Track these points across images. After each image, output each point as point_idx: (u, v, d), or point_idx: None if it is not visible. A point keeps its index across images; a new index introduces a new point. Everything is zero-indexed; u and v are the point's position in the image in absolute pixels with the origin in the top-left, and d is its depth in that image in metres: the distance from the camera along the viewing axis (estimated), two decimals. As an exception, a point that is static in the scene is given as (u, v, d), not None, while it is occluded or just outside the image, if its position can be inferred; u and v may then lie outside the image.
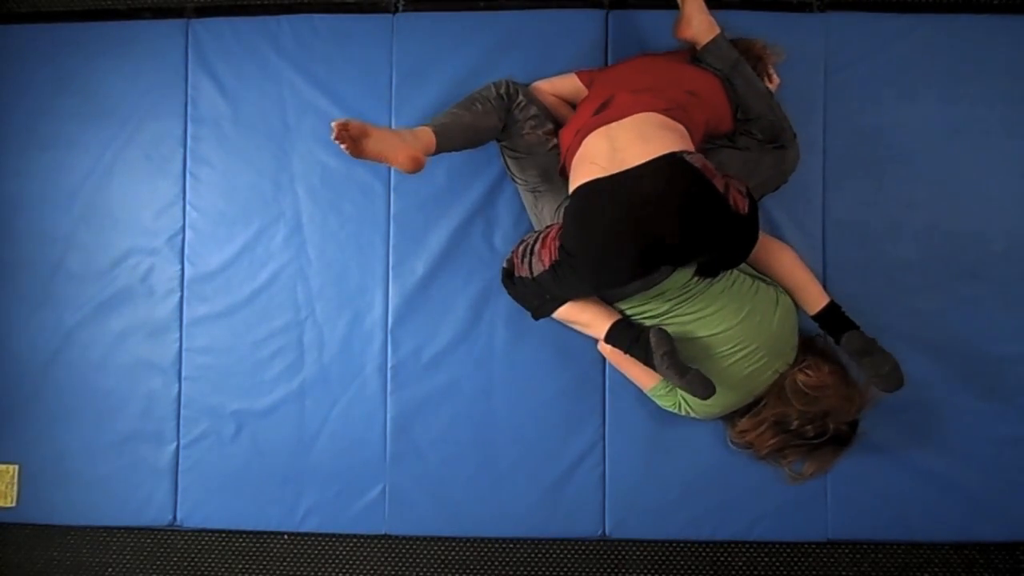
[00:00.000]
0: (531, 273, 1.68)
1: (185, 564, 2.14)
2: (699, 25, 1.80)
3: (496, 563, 2.08)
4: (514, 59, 1.98)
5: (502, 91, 1.78)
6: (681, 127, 1.59)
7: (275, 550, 2.13)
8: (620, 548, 2.07)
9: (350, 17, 2.07)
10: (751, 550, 2.05)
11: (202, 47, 2.09)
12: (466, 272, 2.01)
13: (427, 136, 1.62)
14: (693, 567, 2.06)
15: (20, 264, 2.13)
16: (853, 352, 1.76)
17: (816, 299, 1.81)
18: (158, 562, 2.15)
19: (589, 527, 1.99)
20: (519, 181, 1.86)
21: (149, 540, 2.15)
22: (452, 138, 1.68)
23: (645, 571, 2.06)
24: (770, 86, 1.86)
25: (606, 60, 1.99)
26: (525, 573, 2.08)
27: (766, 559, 2.04)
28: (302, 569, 2.12)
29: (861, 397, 1.79)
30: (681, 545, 2.06)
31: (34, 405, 2.12)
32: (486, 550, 2.09)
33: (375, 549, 2.11)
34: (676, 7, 1.84)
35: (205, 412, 2.07)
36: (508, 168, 1.87)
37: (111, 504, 2.08)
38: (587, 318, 1.78)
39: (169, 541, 2.15)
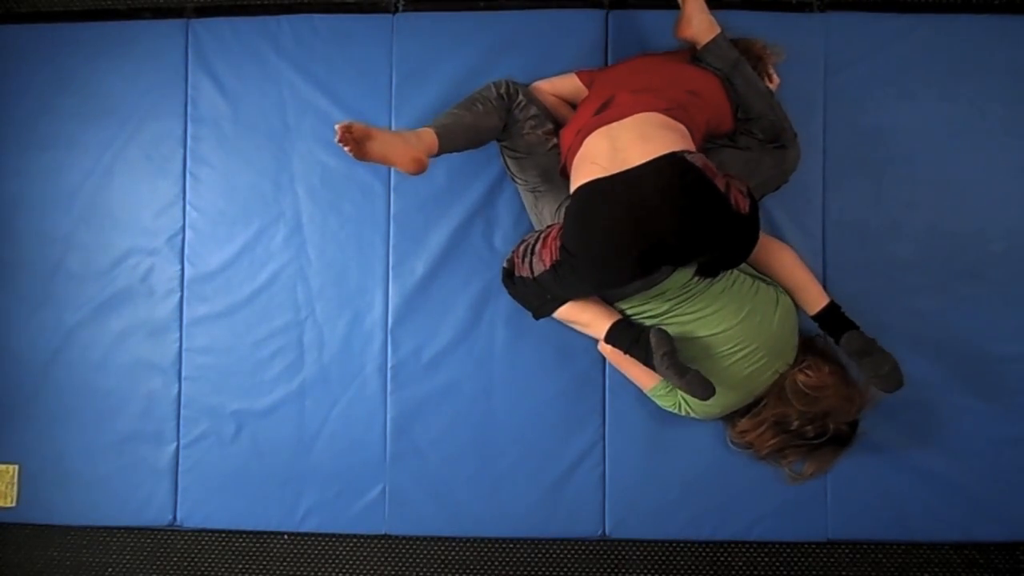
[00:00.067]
0: (532, 273, 1.68)
1: (185, 564, 2.14)
2: (699, 25, 1.80)
3: (496, 563, 2.08)
4: (514, 59, 1.98)
5: (502, 91, 1.78)
6: (682, 127, 1.59)
7: (275, 550, 2.13)
8: (620, 548, 2.07)
9: (350, 17, 2.07)
10: (751, 550, 2.05)
11: (202, 47, 2.09)
12: (466, 272, 2.01)
13: (429, 137, 1.62)
14: (693, 567, 2.06)
15: (20, 264, 2.13)
16: (853, 352, 1.76)
17: (816, 299, 1.81)
18: (158, 562, 2.15)
19: (589, 527, 1.99)
20: (519, 181, 1.86)
21: (149, 540, 2.15)
22: (454, 139, 1.68)
23: (645, 571, 2.07)
24: (770, 86, 1.86)
25: (606, 60, 1.99)
26: (525, 573, 2.08)
27: (766, 559, 2.04)
28: (302, 569, 2.12)
29: (861, 397, 1.79)
30: (681, 545, 2.06)
31: (34, 405, 2.12)
32: (486, 550, 2.09)
33: (375, 549, 2.11)
34: (676, 7, 1.84)
35: (205, 412, 2.07)
36: (508, 168, 1.87)
37: (111, 504, 2.08)
38: (587, 318, 1.78)
39: (169, 541, 2.15)
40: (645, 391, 1.89)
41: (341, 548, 2.11)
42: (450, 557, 2.09)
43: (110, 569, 2.16)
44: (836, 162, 1.98)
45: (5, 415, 2.13)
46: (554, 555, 2.07)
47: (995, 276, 1.96)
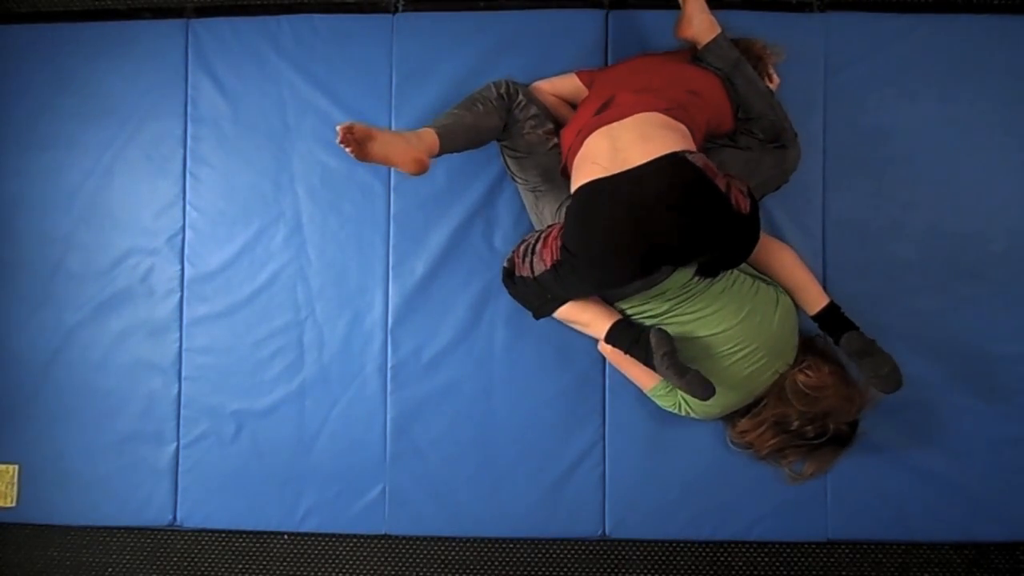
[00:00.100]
0: (532, 273, 1.68)
1: (185, 564, 2.14)
2: (700, 24, 1.80)
3: (496, 563, 2.08)
4: (514, 59, 1.98)
5: (502, 91, 1.78)
6: (683, 127, 1.59)
7: (275, 550, 2.13)
8: (620, 548, 2.07)
9: (350, 17, 2.07)
10: (751, 550, 2.05)
11: (202, 47, 2.09)
12: (466, 272, 2.01)
13: (430, 138, 1.62)
14: (693, 567, 2.06)
15: (20, 264, 2.13)
16: (852, 353, 1.76)
17: (816, 299, 1.81)
18: (158, 562, 2.15)
19: (589, 527, 1.99)
20: (519, 181, 1.86)
21: (149, 540, 2.15)
22: (455, 139, 1.68)
23: (645, 571, 2.07)
24: (770, 86, 1.86)
25: (606, 60, 1.99)
26: (525, 573, 2.08)
27: (766, 559, 2.04)
28: (302, 569, 2.12)
29: (861, 397, 1.79)
30: (681, 545, 2.06)
31: (34, 405, 2.12)
32: (486, 550, 2.09)
33: (375, 549, 2.11)
34: (676, 7, 1.84)
35: (205, 412, 2.07)
36: (508, 168, 1.87)
37: (111, 504, 2.09)
38: (587, 318, 1.78)
39: (169, 541, 2.15)
40: (645, 391, 1.89)
41: (341, 548, 2.11)
42: (450, 557, 2.09)
43: (110, 569, 2.16)
44: (836, 162, 1.98)
45: (5, 415, 2.13)
46: (554, 555, 2.07)
47: (995, 276, 1.96)
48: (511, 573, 2.08)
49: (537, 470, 1.99)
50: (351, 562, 2.11)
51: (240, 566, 2.14)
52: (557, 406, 1.99)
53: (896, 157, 1.98)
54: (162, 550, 2.15)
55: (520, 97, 1.80)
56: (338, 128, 1.46)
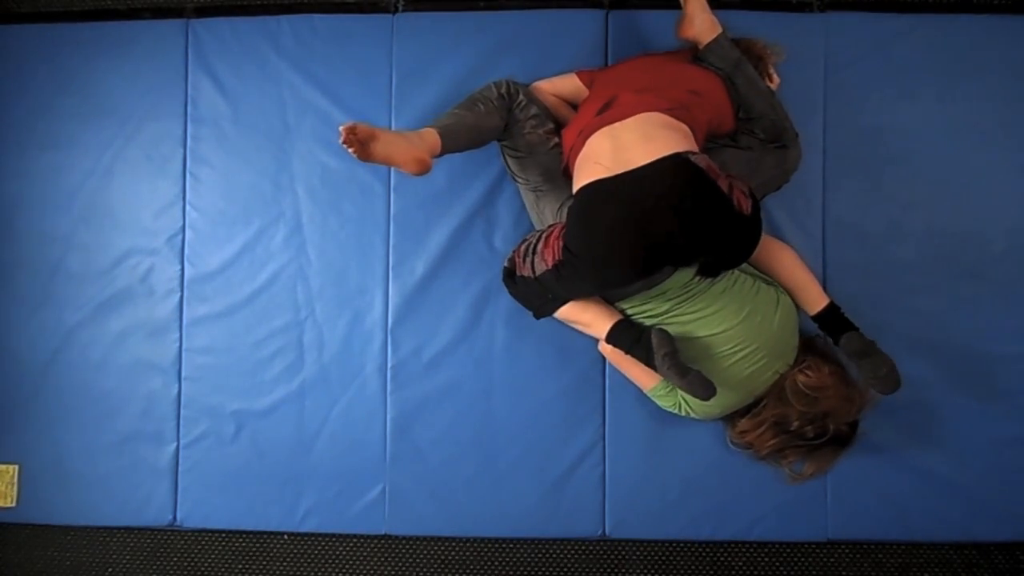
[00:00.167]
0: (533, 273, 1.68)
1: (185, 564, 2.14)
2: (701, 24, 1.80)
3: (496, 563, 2.08)
4: (514, 59, 1.98)
5: (503, 91, 1.78)
6: (684, 127, 1.59)
7: (275, 550, 2.13)
8: (620, 548, 2.07)
9: (350, 17, 2.07)
10: (751, 550, 2.05)
11: (202, 47, 2.09)
12: (466, 272, 2.01)
13: (432, 138, 1.62)
14: (693, 567, 2.06)
15: (20, 264, 2.13)
16: (852, 353, 1.76)
17: (816, 300, 1.81)
18: (158, 562, 2.15)
19: (589, 527, 1.99)
20: (520, 180, 1.86)
21: (149, 540, 2.15)
22: (456, 139, 1.68)
23: (645, 571, 2.07)
24: (770, 86, 1.86)
25: (606, 60, 1.99)
26: (525, 573, 2.08)
27: (766, 559, 2.04)
28: (302, 569, 2.12)
29: (861, 398, 1.79)
30: (681, 545, 2.06)
31: (34, 405, 2.12)
32: (486, 550, 2.09)
33: (375, 549, 2.11)
34: (676, 7, 1.84)
35: (205, 412, 2.07)
36: (509, 168, 1.87)
37: (111, 504, 2.09)
38: (588, 318, 1.78)
39: (169, 541, 2.15)
40: (645, 391, 1.89)
41: (341, 548, 2.11)
42: (450, 557, 2.09)
43: (110, 569, 2.16)
44: (836, 162, 1.98)
45: (5, 415, 2.13)
46: (554, 555, 2.07)
47: (995, 276, 1.96)
48: (511, 573, 2.08)
49: (537, 470, 1.99)
50: (351, 562, 2.11)
51: (240, 566, 2.14)
52: (557, 406, 1.99)
53: (896, 157, 1.98)
54: (162, 550, 2.15)
55: (521, 97, 1.80)
56: (341, 128, 1.46)
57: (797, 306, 1.83)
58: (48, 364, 2.11)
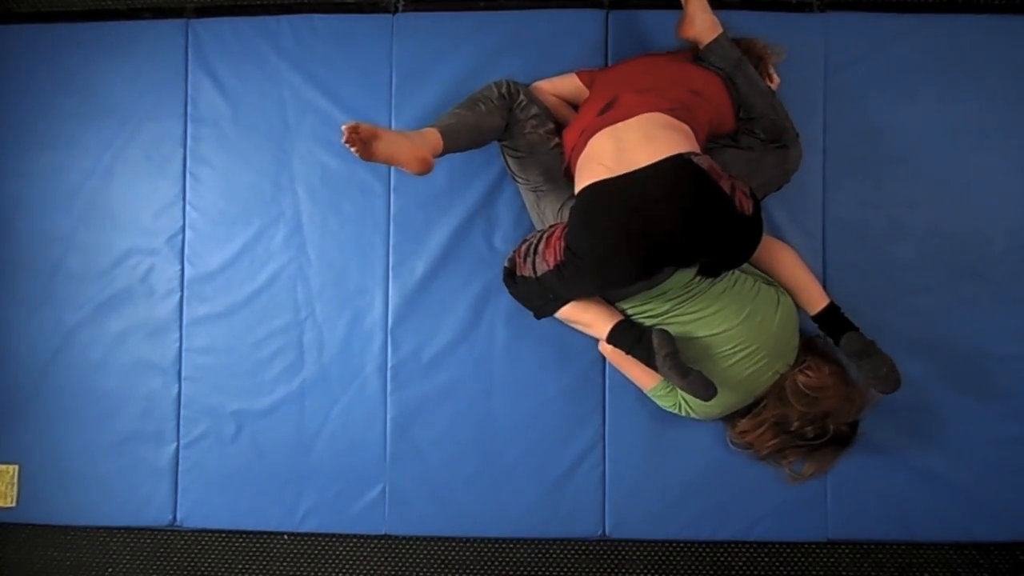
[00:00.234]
0: (534, 273, 1.68)
1: (185, 564, 2.14)
2: (702, 24, 1.80)
3: (496, 563, 2.08)
4: (514, 59, 1.98)
5: (503, 91, 1.78)
6: (686, 127, 1.59)
7: (275, 550, 2.13)
8: (620, 548, 2.07)
9: (350, 17, 2.07)
10: (751, 550, 2.05)
11: (202, 47, 2.09)
12: (466, 272, 2.01)
13: (434, 137, 1.62)
14: (693, 567, 2.06)
15: (20, 264, 2.13)
16: (852, 353, 1.77)
17: (816, 300, 1.81)
18: (158, 562, 2.15)
19: (589, 527, 1.99)
20: (520, 180, 1.86)
21: (149, 540, 2.15)
22: (458, 139, 1.68)
23: (645, 571, 2.06)
24: (771, 86, 1.86)
25: (606, 60, 1.99)
26: (525, 573, 2.08)
27: (766, 559, 2.04)
28: (302, 569, 2.12)
29: (861, 398, 1.79)
30: (681, 545, 2.06)
31: (34, 405, 2.12)
32: (486, 550, 2.09)
33: (375, 549, 2.11)
34: (676, 7, 1.84)
35: (205, 412, 2.07)
36: (509, 168, 1.87)
37: (111, 504, 2.09)
38: (589, 318, 1.78)
39: (169, 541, 2.15)
40: (645, 391, 1.89)
41: (341, 548, 2.11)
42: (450, 557, 2.09)
43: (110, 569, 2.16)
44: (836, 162, 1.98)
45: (5, 415, 2.13)
46: (554, 555, 2.07)
47: (995, 276, 1.96)
48: (511, 573, 2.08)
49: (537, 470, 1.99)
50: (351, 562, 2.11)
51: (240, 566, 2.14)
52: (557, 406, 1.99)
53: (896, 157, 1.98)
54: (162, 550, 2.15)
55: (521, 97, 1.80)
56: (343, 128, 1.46)
57: (797, 306, 1.84)
58: (48, 364, 2.11)
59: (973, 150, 1.98)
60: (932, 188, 1.98)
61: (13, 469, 2.11)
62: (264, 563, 2.13)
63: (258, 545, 2.13)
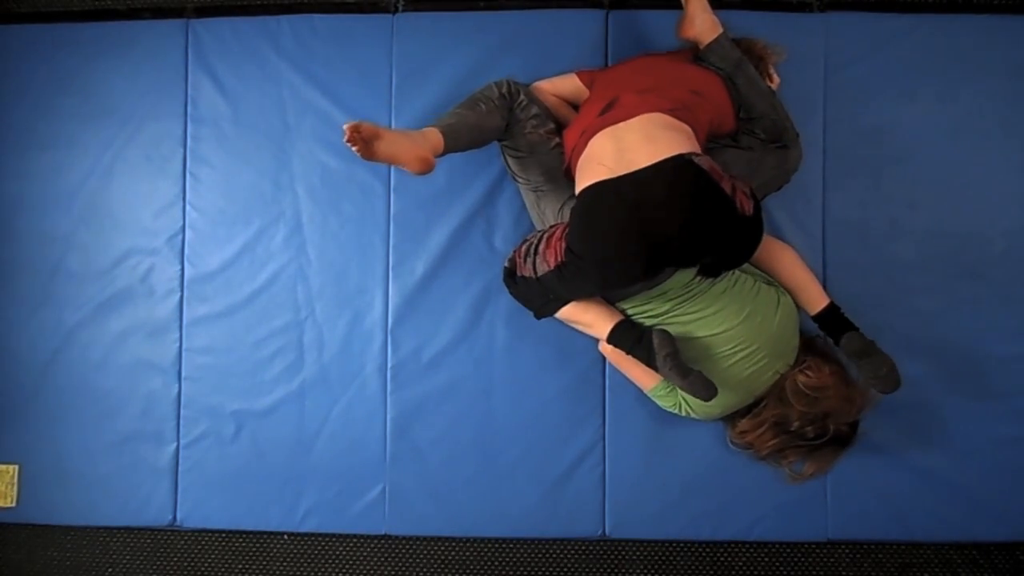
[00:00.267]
0: (535, 273, 1.68)
1: (185, 564, 2.14)
2: (702, 24, 1.80)
3: (496, 563, 2.08)
4: (514, 59, 1.98)
5: (504, 90, 1.78)
6: (686, 127, 1.59)
7: (275, 550, 2.13)
8: (620, 548, 2.06)
9: (350, 17, 2.07)
10: (751, 550, 2.05)
11: (202, 47, 2.09)
12: (466, 272, 2.01)
13: (435, 137, 1.62)
14: (693, 567, 2.06)
15: (20, 264, 2.13)
16: (852, 353, 1.77)
17: (816, 300, 1.81)
18: (158, 562, 2.15)
19: (589, 527, 1.99)
20: (521, 180, 1.86)
21: (149, 540, 2.15)
22: (458, 138, 1.68)
23: (645, 571, 2.06)
24: (771, 86, 1.86)
25: (606, 60, 1.99)
26: (525, 573, 2.08)
27: (766, 559, 2.04)
28: (302, 569, 2.12)
29: (861, 398, 1.79)
30: (681, 545, 2.06)
31: (34, 405, 2.12)
32: (486, 550, 2.09)
33: (375, 549, 2.11)
34: (676, 7, 1.84)
35: (205, 412, 2.07)
36: (509, 168, 1.87)
37: (111, 504, 2.08)
38: (589, 318, 1.78)
39: (169, 541, 2.15)
40: (645, 391, 1.89)
41: (341, 548, 2.11)
42: (450, 557, 2.09)
43: (110, 569, 2.16)
44: (836, 162, 1.98)
45: (5, 415, 2.13)
46: (554, 555, 2.07)
47: (995, 276, 1.96)
48: (511, 573, 2.08)
49: (537, 470, 1.99)
50: (351, 562, 2.11)
51: (240, 566, 2.14)
52: (557, 406, 1.99)
53: (896, 157, 1.98)
54: (162, 550, 2.15)
55: (521, 97, 1.80)
56: (345, 127, 1.46)
57: (797, 306, 1.84)
58: (48, 364, 2.11)
59: (973, 150, 1.98)
60: (932, 188, 1.98)
61: (13, 469, 2.11)
62: (264, 563, 2.13)
63: (258, 545, 2.13)
